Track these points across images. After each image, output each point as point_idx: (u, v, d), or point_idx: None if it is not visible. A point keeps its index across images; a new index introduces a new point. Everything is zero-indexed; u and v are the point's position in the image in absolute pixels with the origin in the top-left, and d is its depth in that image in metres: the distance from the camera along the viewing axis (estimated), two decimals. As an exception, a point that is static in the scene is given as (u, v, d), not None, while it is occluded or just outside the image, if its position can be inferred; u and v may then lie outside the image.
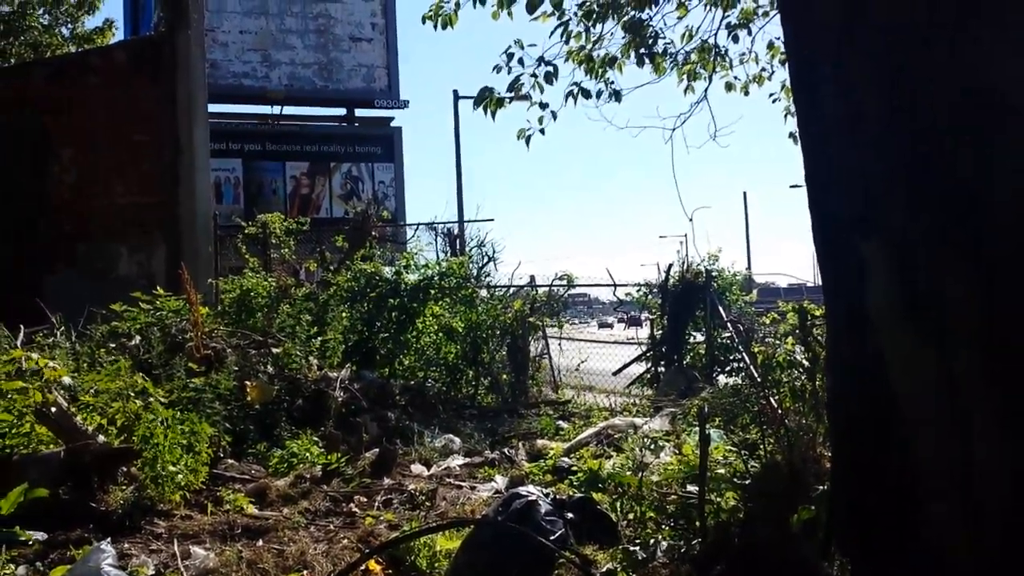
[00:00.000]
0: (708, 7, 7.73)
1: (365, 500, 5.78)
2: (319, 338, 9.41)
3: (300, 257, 13.43)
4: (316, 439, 7.01)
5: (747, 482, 4.17)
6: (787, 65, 3.01)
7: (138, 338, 8.10)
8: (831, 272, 2.54)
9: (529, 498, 4.17)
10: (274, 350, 8.47)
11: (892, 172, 2.21)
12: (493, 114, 7.28)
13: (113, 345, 7.83)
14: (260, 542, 4.73)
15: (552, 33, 7.38)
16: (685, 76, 8.10)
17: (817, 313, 6.51)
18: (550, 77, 7.35)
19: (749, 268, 29.69)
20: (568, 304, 14.88)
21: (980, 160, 2.06)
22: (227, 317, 9.74)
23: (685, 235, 42.41)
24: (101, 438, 5.48)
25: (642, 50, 7.71)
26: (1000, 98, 2.03)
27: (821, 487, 3.64)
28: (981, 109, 2.06)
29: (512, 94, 7.39)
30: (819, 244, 2.59)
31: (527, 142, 7.51)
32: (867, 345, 2.27)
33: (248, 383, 7.44)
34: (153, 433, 5.42)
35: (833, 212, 2.47)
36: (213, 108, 19.51)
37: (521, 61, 7.30)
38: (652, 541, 4.10)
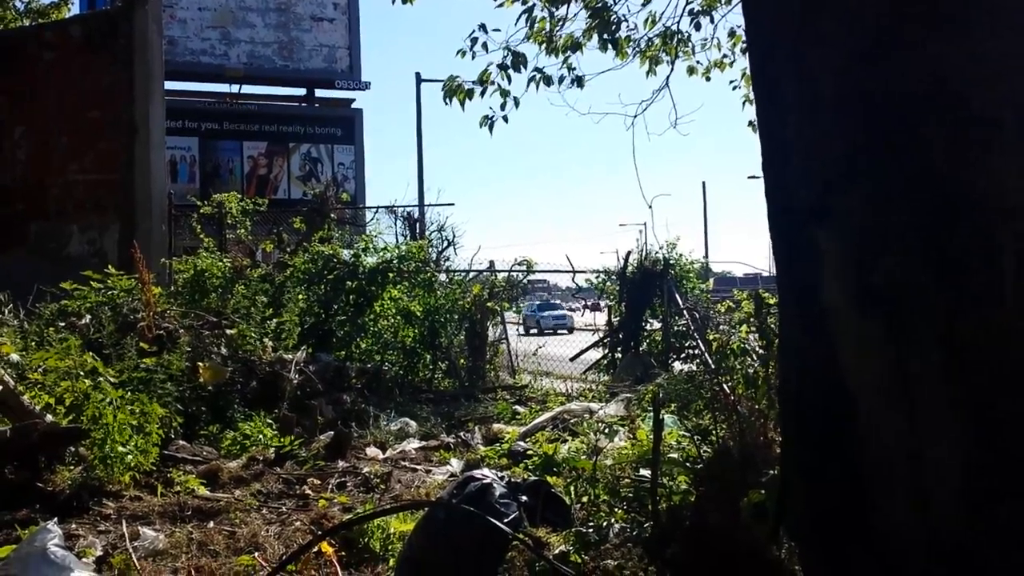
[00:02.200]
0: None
1: (319, 483, 5.75)
2: (275, 320, 9.33)
3: (257, 238, 13.28)
4: (270, 421, 6.96)
5: (699, 466, 4.19)
6: (747, 52, 2.98)
7: (88, 317, 7.96)
8: (786, 263, 2.50)
9: (484, 481, 4.16)
10: (228, 331, 8.36)
11: (853, 161, 2.16)
12: (462, 104, 7.25)
13: (63, 324, 7.69)
14: (211, 524, 4.68)
15: (517, 20, 7.35)
16: (648, 61, 8.12)
17: (772, 302, 6.60)
18: (517, 65, 7.33)
19: (706, 257, 29.97)
20: (528, 290, 14.91)
21: (948, 150, 2.02)
22: (181, 297, 9.60)
23: (645, 223, 42.79)
24: (49, 417, 5.38)
25: (605, 35, 7.70)
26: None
27: (771, 471, 3.67)
28: (951, 97, 2.03)
29: (482, 87, 7.35)
30: (774, 234, 2.55)
31: (490, 129, 7.47)
32: (821, 338, 2.23)
33: (201, 364, 7.34)
34: (102, 413, 5.33)
35: (789, 201, 2.42)
36: (170, 86, 19.25)
37: (485, 46, 7.27)
38: (605, 524, 4.13)
